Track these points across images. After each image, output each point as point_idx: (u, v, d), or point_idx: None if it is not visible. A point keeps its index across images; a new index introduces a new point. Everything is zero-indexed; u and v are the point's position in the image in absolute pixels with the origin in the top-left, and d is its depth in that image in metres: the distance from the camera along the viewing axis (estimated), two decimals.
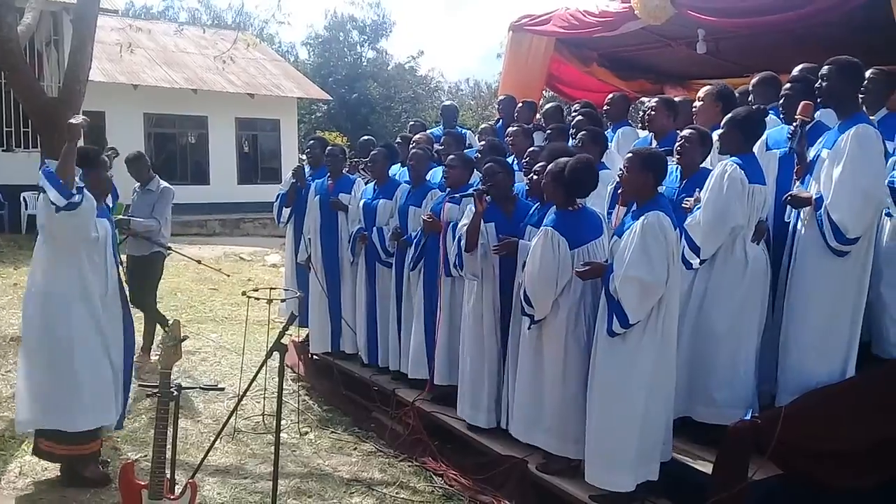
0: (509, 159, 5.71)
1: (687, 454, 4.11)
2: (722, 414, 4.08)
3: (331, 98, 26.17)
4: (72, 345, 4.18)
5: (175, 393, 3.19)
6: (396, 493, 4.58)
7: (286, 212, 6.96)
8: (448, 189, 5.28)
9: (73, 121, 4.12)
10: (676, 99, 5.51)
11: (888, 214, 4.20)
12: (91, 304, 4.26)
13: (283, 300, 6.35)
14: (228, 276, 6.42)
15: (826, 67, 4.06)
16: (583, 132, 4.98)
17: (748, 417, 3.83)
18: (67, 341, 4.17)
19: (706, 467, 3.89)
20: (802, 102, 4.22)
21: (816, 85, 4.10)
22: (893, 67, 4.37)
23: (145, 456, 4.82)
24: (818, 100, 4.15)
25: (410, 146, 6.26)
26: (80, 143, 4.21)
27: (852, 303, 4.00)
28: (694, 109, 4.99)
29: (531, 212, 4.63)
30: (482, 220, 4.67)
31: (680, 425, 4.13)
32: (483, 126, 7.78)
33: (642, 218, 3.71)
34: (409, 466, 4.96)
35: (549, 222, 4.11)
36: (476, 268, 4.73)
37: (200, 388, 4.09)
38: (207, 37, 19.82)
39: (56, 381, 4.19)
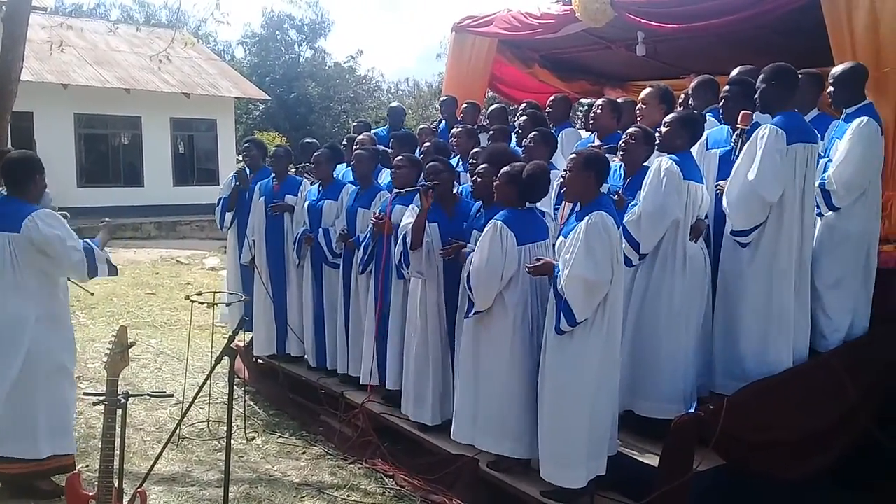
0: (454, 160, 5.75)
1: (633, 448, 4.22)
2: (663, 408, 4.21)
3: (269, 98, 25.83)
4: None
5: (122, 401, 3.11)
6: (347, 496, 4.56)
7: (229, 216, 6.85)
8: (396, 190, 5.28)
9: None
10: (620, 100, 5.63)
11: (819, 214, 4.36)
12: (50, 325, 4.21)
13: (227, 304, 6.25)
14: (92, 294, 6.32)
15: (762, 75, 4.24)
16: (534, 133, 5.04)
17: (693, 410, 3.94)
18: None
19: (652, 460, 3.99)
20: (742, 112, 4.39)
21: (756, 96, 4.27)
22: (822, 70, 4.55)
23: (87, 466, 4.70)
24: (756, 105, 4.31)
25: (354, 147, 6.23)
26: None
27: (778, 296, 4.16)
28: (638, 110, 5.11)
29: (476, 214, 4.66)
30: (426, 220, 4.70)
31: (623, 419, 4.23)
32: (422, 126, 7.78)
33: (586, 218, 3.78)
34: (359, 469, 4.94)
35: (499, 216, 4.16)
36: (421, 266, 4.74)
37: (149, 395, 3.99)
38: (141, 35, 19.33)
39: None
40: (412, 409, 4.90)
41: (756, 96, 4.26)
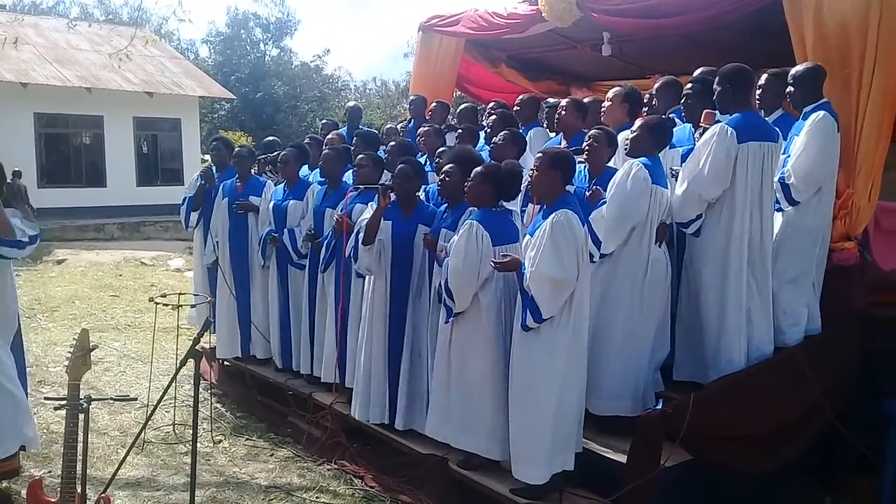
0: (421, 159, 5.74)
1: (601, 445, 4.25)
2: (614, 405, 4.29)
3: (234, 97, 25.59)
4: None
5: (85, 405, 3.05)
6: (316, 498, 4.53)
7: (194, 215, 6.75)
8: (354, 187, 5.26)
9: None
10: (586, 100, 5.67)
11: (778, 209, 4.43)
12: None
13: (192, 306, 6.16)
14: None
15: (718, 77, 4.33)
16: (503, 133, 5.05)
17: (658, 407, 3.98)
18: None
19: (620, 456, 4.03)
20: (705, 111, 4.46)
21: (714, 95, 4.36)
22: (786, 70, 4.62)
23: (49, 472, 4.61)
24: (716, 106, 4.39)
25: (324, 147, 6.19)
26: None
27: (733, 294, 4.23)
28: (602, 110, 5.15)
29: (442, 215, 4.66)
30: (382, 217, 4.70)
31: (588, 417, 4.25)
32: (388, 126, 7.75)
33: (552, 216, 3.80)
34: (328, 470, 4.91)
35: (474, 217, 4.17)
36: (370, 262, 4.74)
37: (111, 399, 3.92)
38: (102, 33, 19.02)
39: None
40: (359, 409, 4.90)
41: (714, 98, 4.35)
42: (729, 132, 4.13)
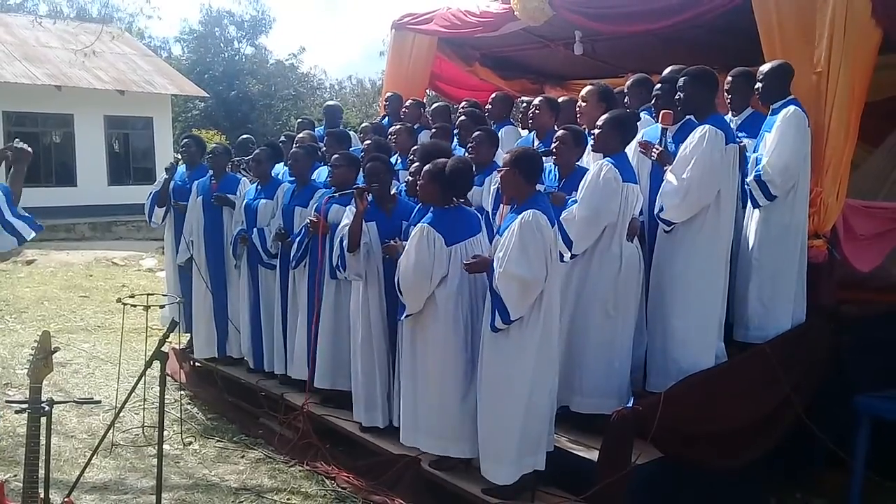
0: (393, 158, 5.71)
1: (572, 443, 4.25)
2: (598, 403, 4.27)
3: (207, 95, 25.30)
4: None
5: (46, 408, 2.98)
6: (287, 499, 4.49)
7: (159, 211, 6.66)
8: (333, 189, 5.21)
9: (23, 146, 3.83)
10: (560, 99, 5.66)
11: (755, 205, 4.46)
12: None
13: (161, 306, 6.08)
14: None
15: (681, 79, 4.38)
16: (478, 132, 5.02)
17: (630, 405, 3.98)
18: None
19: (591, 454, 4.03)
20: (662, 112, 4.49)
21: (676, 96, 4.36)
22: (751, 69, 4.65)
23: (15, 476, 4.51)
24: (678, 107, 4.41)
25: (294, 145, 6.14)
26: None
27: (711, 290, 4.26)
28: (578, 109, 5.12)
29: (413, 212, 4.63)
30: (364, 220, 4.65)
31: (560, 415, 4.25)
32: (364, 125, 7.71)
33: (520, 217, 3.78)
34: (299, 471, 4.87)
35: (426, 219, 4.13)
36: (359, 268, 4.68)
37: (74, 401, 3.85)
38: (70, 30, 18.73)
39: None
40: (364, 414, 4.83)
41: (678, 98, 4.37)
42: (718, 133, 4.15)
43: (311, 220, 5.19)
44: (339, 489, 4.57)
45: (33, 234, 3.87)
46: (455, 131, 5.92)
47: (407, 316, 4.16)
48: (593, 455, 3.99)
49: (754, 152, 4.52)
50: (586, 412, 4.33)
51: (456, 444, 4.15)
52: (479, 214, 4.36)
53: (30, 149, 3.88)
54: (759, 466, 4.27)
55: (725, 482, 4.17)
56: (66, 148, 19.38)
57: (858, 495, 4.42)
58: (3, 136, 18.12)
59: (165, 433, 5.01)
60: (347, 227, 4.64)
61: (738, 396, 4.19)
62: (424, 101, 7.90)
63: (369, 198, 4.66)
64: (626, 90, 5.27)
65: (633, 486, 3.76)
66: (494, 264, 3.82)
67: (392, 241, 4.50)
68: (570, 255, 4.29)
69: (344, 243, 4.65)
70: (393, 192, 4.88)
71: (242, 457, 5.14)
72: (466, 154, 5.01)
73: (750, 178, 4.41)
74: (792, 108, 4.32)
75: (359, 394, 4.84)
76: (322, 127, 7.87)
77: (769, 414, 4.30)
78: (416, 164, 4.50)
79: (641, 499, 3.86)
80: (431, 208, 4.19)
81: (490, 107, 6.31)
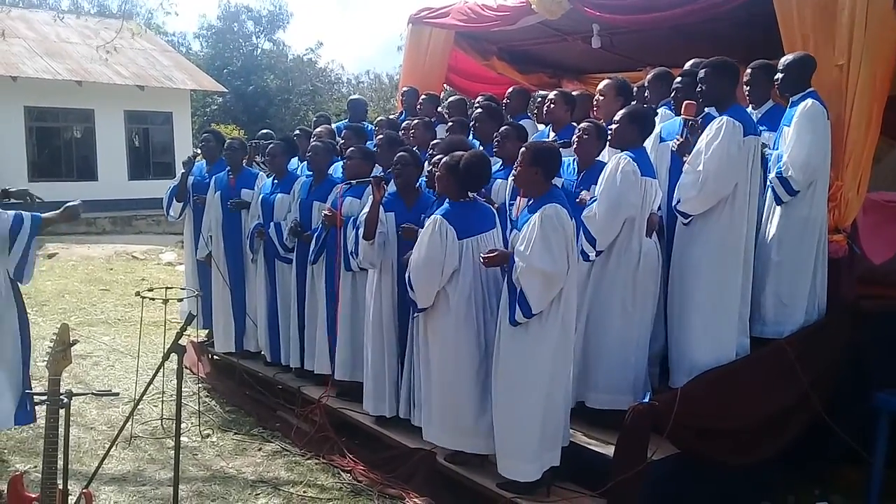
0: None
1: (588, 438, 4.24)
2: (614, 399, 4.25)
3: (226, 90, 25.42)
4: None
5: (65, 400, 3.02)
6: (304, 492, 4.51)
7: (177, 206, 6.71)
8: (347, 181, 5.22)
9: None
10: (575, 93, 5.63)
11: (778, 202, 4.40)
12: None
13: (179, 300, 6.13)
14: None
15: (702, 71, 4.32)
16: (506, 127, 4.99)
17: (646, 401, 3.96)
18: None
19: (607, 450, 4.02)
20: (685, 103, 4.44)
21: (697, 88, 4.32)
22: (775, 61, 4.60)
23: (35, 467, 4.58)
24: (699, 100, 4.36)
25: (312, 139, 6.15)
26: None
27: (730, 286, 4.22)
28: (595, 103, 5.09)
29: (432, 204, 4.63)
30: (383, 209, 4.65)
31: (576, 411, 4.24)
32: (379, 119, 7.71)
33: (540, 210, 3.77)
34: (316, 464, 4.89)
35: (439, 211, 4.13)
36: (373, 257, 4.67)
37: (92, 394, 3.86)
38: (92, 26, 18.89)
39: None
40: (372, 403, 4.85)
41: (698, 91, 4.32)
42: (736, 125, 4.10)
43: (325, 213, 5.20)
44: (355, 482, 4.59)
45: (28, 283, 4.24)
46: (471, 125, 5.90)
47: (420, 311, 4.16)
48: (609, 450, 3.98)
49: (773, 147, 4.48)
50: (602, 408, 4.32)
51: (470, 440, 4.15)
52: (494, 210, 4.35)
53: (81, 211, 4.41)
54: (776, 462, 4.24)
55: (742, 478, 4.14)
56: (86, 143, 19.54)
57: (877, 491, 4.37)
58: (25, 131, 18.34)
59: (183, 425, 5.07)
60: (364, 215, 4.66)
61: (755, 392, 4.16)
62: (441, 95, 7.88)
63: (386, 188, 4.66)
64: (646, 84, 5.23)
65: (648, 481, 3.75)
66: (515, 258, 3.81)
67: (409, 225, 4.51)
68: (595, 253, 4.26)
69: (360, 231, 4.66)
70: (418, 185, 4.88)
71: (259, 449, 5.18)
72: (492, 149, 4.99)
73: (772, 175, 4.37)
74: (810, 101, 4.27)
75: (369, 385, 4.87)
76: (342, 122, 7.86)
77: (787, 410, 4.26)
78: (438, 157, 4.48)
79: (657, 494, 3.84)
80: (447, 200, 4.19)
81: (508, 101, 6.29)
